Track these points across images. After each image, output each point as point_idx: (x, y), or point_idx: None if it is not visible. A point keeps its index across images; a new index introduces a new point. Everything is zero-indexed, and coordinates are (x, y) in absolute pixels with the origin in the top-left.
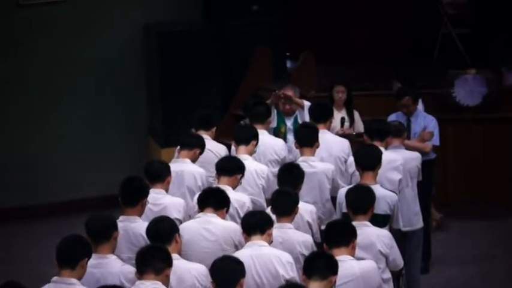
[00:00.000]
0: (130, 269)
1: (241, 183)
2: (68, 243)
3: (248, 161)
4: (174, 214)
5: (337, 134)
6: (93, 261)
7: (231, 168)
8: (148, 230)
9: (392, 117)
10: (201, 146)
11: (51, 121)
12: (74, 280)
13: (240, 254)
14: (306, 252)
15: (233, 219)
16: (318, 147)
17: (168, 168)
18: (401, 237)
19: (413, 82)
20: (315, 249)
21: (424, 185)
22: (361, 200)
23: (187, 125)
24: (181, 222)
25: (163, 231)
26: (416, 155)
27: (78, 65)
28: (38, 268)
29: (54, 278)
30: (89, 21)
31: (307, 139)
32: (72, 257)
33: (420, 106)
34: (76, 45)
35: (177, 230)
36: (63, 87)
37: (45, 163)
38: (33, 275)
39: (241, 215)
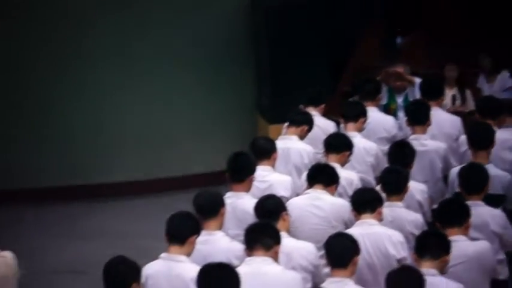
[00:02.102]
0: (239, 246)
1: (349, 160)
2: (178, 220)
3: (357, 138)
4: (281, 192)
5: (448, 111)
6: (200, 237)
7: (339, 145)
8: (256, 208)
9: (505, 95)
10: (309, 122)
11: (161, 97)
12: (183, 257)
13: (350, 233)
14: (416, 232)
15: (341, 197)
16: (429, 125)
17: (274, 145)
18: None
19: None
20: (425, 228)
21: None
22: (474, 179)
23: (295, 101)
24: (287, 200)
25: (271, 209)
26: None
27: (186, 41)
28: (146, 244)
29: (163, 255)
30: None
31: (418, 116)
32: (182, 234)
33: None
34: (185, 20)
35: (284, 208)
36: (173, 63)
37: (156, 140)
38: (141, 250)
39: (349, 193)
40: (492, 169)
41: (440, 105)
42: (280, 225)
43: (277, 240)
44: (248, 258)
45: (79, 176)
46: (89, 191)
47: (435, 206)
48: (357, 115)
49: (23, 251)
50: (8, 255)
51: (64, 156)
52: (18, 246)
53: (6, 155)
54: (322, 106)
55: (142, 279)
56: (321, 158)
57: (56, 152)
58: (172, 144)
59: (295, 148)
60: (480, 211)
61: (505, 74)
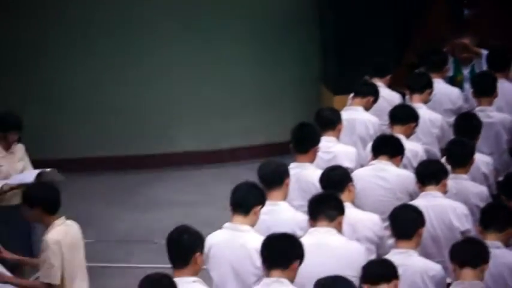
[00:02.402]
0: (303, 217)
1: (415, 132)
2: (242, 190)
3: (422, 110)
4: (346, 163)
5: None
6: (265, 208)
7: (404, 116)
8: (322, 178)
9: None
10: (375, 93)
11: (227, 68)
12: (247, 227)
13: (415, 204)
14: (481, 204)
15: (406, 168)
16: (495, 96)
17: (339, 115)
18: None
19: None
20: (490, 201)
21: None
22: None
23: (360, 72)
24: (352, 171)
25: (337, 179)
26: None
27: (251, 11)
28: (209, 214)
29: (227, 224)
30: None
31: (485, 88)
32: (246, 204)
33: None
34: None
35: (350, 179)
36: (238, 34)
37: (222, 110)
38: (205, 220)
39: (414, 164)
40: None
41: (507, 77)
42: (345, 196)
43: (341, 211)
44: (312, 229)
45: (145, 146)
46: (154, 161)
47: (500, 179)
48: (423, 86)
49: (89, 220)
50: (74, 224)
51: (130, 126)
52: (85, 215)
53: (75, 124)
54: (388, 77)
55: (206, 249)
56: (386, 129)
57: (122, 123)
58: (237, 115)
59: (360, 119)
60: None
61: None
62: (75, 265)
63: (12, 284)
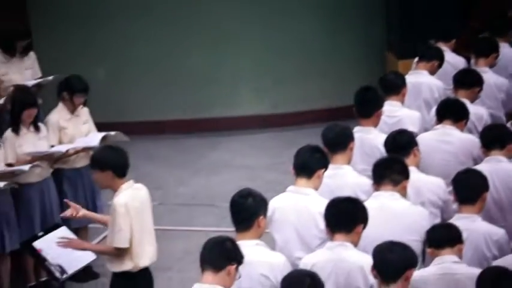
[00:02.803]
0: (366, 181)
1: (479, 96)
2: (306, 153)
3: (488, 74)
4: (410, 127)
5: None
6: (328, 171)
7: (469, 81)
8: (387, 142)
9: None
10: (440, 58)
11: (290, 33)
12: (310, 190)
13: (479, 169)
14: None
15: (470, 133)
16: None
17: (404, 80)
18: None
19: None
20: None
21: None
22: None
23: (425, 36)
24: (416, 135)
25: (402, 143)
26: None
27: None
28: (272, 177)
29: (290, 188)
30: None
31: None
32: (309, 167)
33: None
34: None
35: (415, 143)
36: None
37: (284, 75)
38: (268, 184)
39: (479, 129)
40: None
41: None
42: (410, 160)
43: (405, 176)
44: (376, 193)
45: (209, 109)
46: (218, 124)
47: None
48: (489, 51)
49: (153, 183)
50: (142, 187)
51: (195, 90)
52: (148, 178)
53: (140, 87)
54: (453, 42)
55: (269, 212)
56: (450, 93)
57: (187, 86)
58: (300, 79)
59: (425, 83)
60: None
61: None
62: (143, 229)
63: (89, 250)
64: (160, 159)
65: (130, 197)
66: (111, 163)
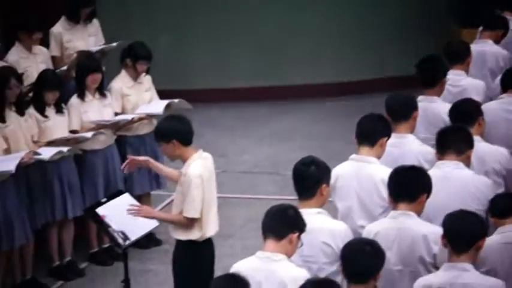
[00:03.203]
0: (429, 149)
1: None
2: (369, 122)
3: None
4: (474, 96)
5: None
6: (391, 140)
7: None
8: (452, 111)
9: None
10: (505, 27)
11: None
12: (373, 158)
13: None
14: None
15: None
16: None
17: (469, 48)
18: None
19: None
20: None
21: None
22: None
23: (490, 5)
24: (481, 104)
25: (467, 113)
26: None
27: None
28: (335, 146)
29: (353, 156)
30: None
31: None
32: (372, 136)
33: None
34: None
35: (481, 112)
36: None
37: (348, 44)
38: (330, 152)
39: None
40: None
41: None
42: (474, 129)
43: (469, 145)
44: (439, 162)
45: (274, 77)
46: (282, 92)
47: None
48: None
49: (216, 150)
50: (209, 156)
51: (259, 58)
52: (212, 146)
53: (203, 55)
54: None
55: (332, 180)
56: None
57: (251, 54)
58: (364, 48)
59: (490, 52)
60: None
61: None
62: (211, 197)
63: (158, 219)
64: (224, 127)
65: (203, 167)
66: (175, 132)
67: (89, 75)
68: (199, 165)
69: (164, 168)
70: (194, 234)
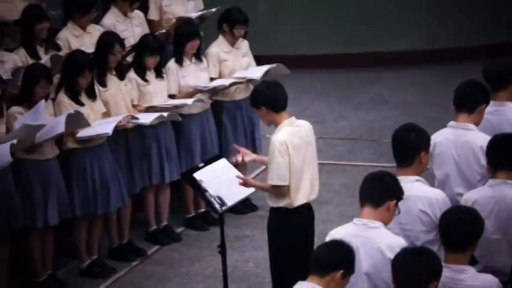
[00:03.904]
0: None
1: None
2: (467, 89)
3: None
4: None
5: None
6: (489, 107)
7: None
8: None
9: None
10: None
11: None
12: (471, 125)
13: None
14: None
15: None
16: None
17: None
18: None
19: None
20: None
21: None
22: None
23: None
24: None
25: None
26: None
27: None
28: (432, 113)
29: (452, 123)
30: None
31: None
32: (470, 102)
33: None
34: None
35: None
36: None
37: (433, 11)
38: (428, 119)
39: None
40: None
41: None
42: None
43: None
44: None
45: (367, 44)
46: (376, 58)
47: None
48: None
49: (312, 117)
50: (305, 123)
51: (350, 25)
52: (308, 112)
53: (298, 21)
54: None
55: (430, 147)
56: None
57: (344, 20)
58: (452, 15)
59: None
60: None
61: None
62: (303, 166)
63: (252, 186)
64: (320, 93)
65: (290, 134)
66: (262, 99)
67: (188, 41)
68: (286, 132)
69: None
70: (283, 201)
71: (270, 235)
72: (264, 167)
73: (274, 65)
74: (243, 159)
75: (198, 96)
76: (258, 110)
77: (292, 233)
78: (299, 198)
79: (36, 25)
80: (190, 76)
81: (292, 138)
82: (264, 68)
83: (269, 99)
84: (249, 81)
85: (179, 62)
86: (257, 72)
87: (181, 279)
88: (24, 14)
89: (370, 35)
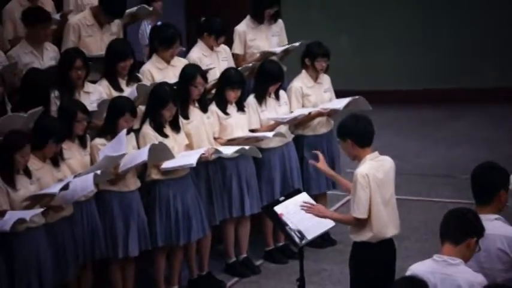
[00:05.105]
0: None
1: None
2: None
3: None
4: None
5: None
6: None
7: None
8: None
9: None
10: None
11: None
12: None
13: None
14: None
15: None
16: None
17: None
18: None
19: None
20: None
21: None
22: None
23: None
24: None
25: None
26: None
27: None
28: (509, 150)
29: None
30: None
31: None
32: None
33: None
34: None
35: None
36: None
37: None
38: (506, 157)
39: None
40: None
41: None
42: None
43: None
44: None
45: (449, 80)
46: (456, 95)
47: None
48: None
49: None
50: (387, 159)
51: (433, 60)
52: (388, 147)
53: (379, 57)
54: None
55: (511, 186)
56: None
57: (425, 57)
58: None
59: None
60: None
61: None
62: (387, 201)
63: (330, 218)
64: (400, 129)
65: (374, 168)
66: (351, 132)
67: (272, 84)
68: (369, 166)
69: (345, 183)
70: (365, 235)
71: (352, 269)
72: (345, 200)
73: (356, 96)
74: None
75: (278, 129)
76: (344, 142)
77: (374, 268)
78: (384, 232)
79: (121, 63)
80: (269, 110)
81: (375, 172)
82: (346, 100)
83: (357, 132)
84: (329, 115)
85: (259, 100)
86: (339, 103)
87: None
88: (109, 50)
89: (452, 70)
